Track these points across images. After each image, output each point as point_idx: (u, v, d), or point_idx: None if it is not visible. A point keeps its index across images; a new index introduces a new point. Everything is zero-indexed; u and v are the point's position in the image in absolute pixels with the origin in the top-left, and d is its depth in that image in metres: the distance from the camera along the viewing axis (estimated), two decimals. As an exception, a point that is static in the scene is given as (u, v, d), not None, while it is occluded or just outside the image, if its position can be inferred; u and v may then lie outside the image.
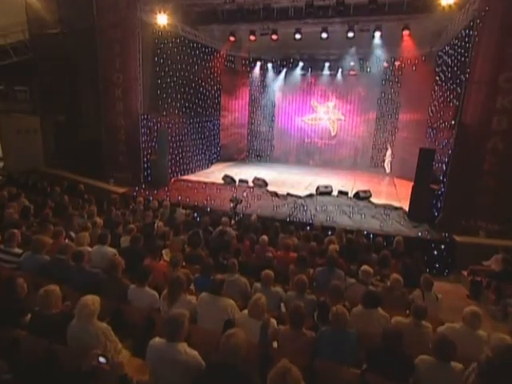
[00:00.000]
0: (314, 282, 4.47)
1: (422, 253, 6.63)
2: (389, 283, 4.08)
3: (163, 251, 5.60)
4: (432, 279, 3.93)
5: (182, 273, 3.30)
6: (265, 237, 5.42)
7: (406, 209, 9.20)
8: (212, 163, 15.94)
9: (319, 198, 10.60)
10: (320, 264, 4.83)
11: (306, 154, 17.48)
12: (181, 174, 13.20)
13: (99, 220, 6.61)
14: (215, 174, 13.88)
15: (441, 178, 8.72)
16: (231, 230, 6.34)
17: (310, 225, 7.80)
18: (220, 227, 6.26)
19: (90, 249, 4.61)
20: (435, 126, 11.60)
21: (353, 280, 4.16)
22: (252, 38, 13.00)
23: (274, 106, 17.64)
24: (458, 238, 7.30)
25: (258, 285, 3.79)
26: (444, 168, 8.66)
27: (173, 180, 12.27)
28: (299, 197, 10.53)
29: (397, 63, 14.52)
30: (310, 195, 10.77)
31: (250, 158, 17.82)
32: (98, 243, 4.62)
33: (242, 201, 8.08)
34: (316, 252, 5.05)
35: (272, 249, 5.52)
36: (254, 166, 16.29)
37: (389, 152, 15.72)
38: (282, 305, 3.78)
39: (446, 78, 11.00)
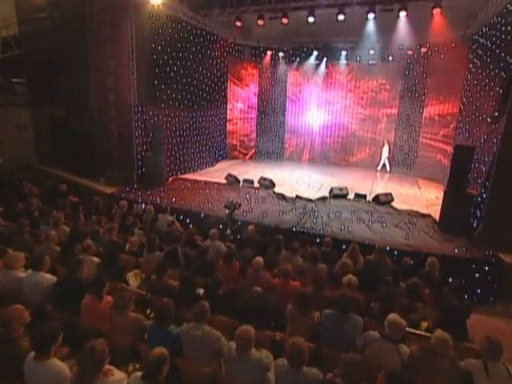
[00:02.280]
0: (319, 328, 3.21)
1: (461, 277, 5.30)
2: (431, 340, 2.77)
3: (131, 274, 4.47)
4: (501, 343, 2.58)
5: (100, 343, 2.06)
6: (259, 259, 4.19)
7: (436, 216, 7.79)
8: (218, 160, 14.79)
9: (333, 201, 9.27)
10: (330, 300, 3.58)
11: (321, 152, 16.09)
12: (181, 173, 12.11)
13: (66, 229, 5.57)
14: (220, 172, 12.71)
15: (480, 181, 7.27)
16: (220, 246, 5.14)
17: (320, 236, 6.50)
18: (207, 242, 5.08)
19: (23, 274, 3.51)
20: (469, 120, 10.05)
21: (376, 334, 2.88)
22: (260, 22, 11.71)
23: (285, 98, 16.29)
24: (505, 258, 5.85)
25: (232, 346, 2.57)
26: (484, 169, 7.20)
27: (171, 179, 11.18)
28: (310, 200, 9.24)
29: (423, 50, 12.92)
30: (323, 198, 9.45)
31: (260, 155, 16.56)
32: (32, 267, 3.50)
33: (240, 205, 6.88)
34: (324, 282, 3.78)
35: (269, 273, 4.29)
36: (263, 164, 15.07)
37: (385, 148, 14.21)
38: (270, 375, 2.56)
39: (483, 64, 9.45)
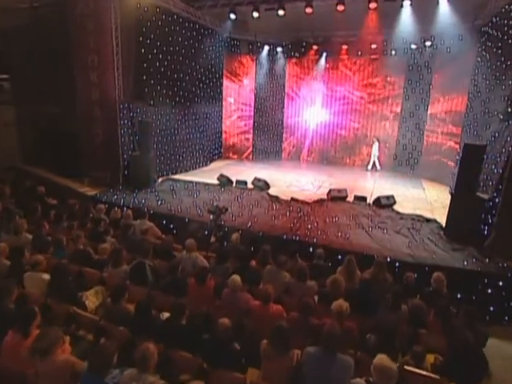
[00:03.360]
0: (300, 370, 2.60)
1: (471, 293, 4.67)
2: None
3: (91, 292, 3.88)
4: None
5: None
6: (236, 278, 3.57)
7: (442, 221, 7.15)
8: (212, 160, 14.20)
9: (331, 204, 8.64)
10: (317, 329, 2.96)
11: (320, 151, 15.44)
12: (172, 173, 11.52)
13: (28, 237, 5.01)
14: (214, 172, 12.05)
15: (491, 183, 6.61)
16: (198, 259, 4.54)
17: (313, 245, 5.87)
18: (182, 254, 4.48)
19: None
20: (477, 117, 9.37)
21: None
22: (255, 14, 11.10)
23: (283, 95, 15.64)
24: (522, 271, 5.21)
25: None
26: (496, 170, 6.55)
27: (160, 180, 10.59)
28: (306, 203, 8.62)
29: (427, 43, 12.22)
30: (320, 201, 8.83)
31: (257, 154, 15.91)
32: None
33: (226, 210, 6.27)
34: (311, 308, 3.17)
35: (249, 294, 3.68)
36: (260, 163, 14.46)
37: (375, 146, 13.55)
38: None
39: (493, 56, 8.77)
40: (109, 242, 5.29)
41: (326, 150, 15.28)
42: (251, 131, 15.68)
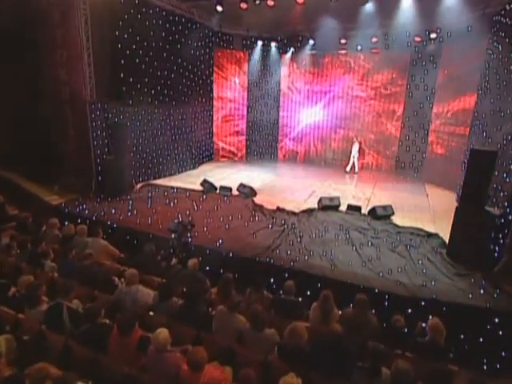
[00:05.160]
0: None
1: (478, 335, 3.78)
2: None
3: (1, 338, 3.08)
4: None
5: None
6: (163, 332, 2.73)
7: (445, 234, 6.19)
8: (202, 162, 13.38)
9: (320, 214, 7.75)
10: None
11: (318, 153, 14.52)
12: (154, 177, 10.72)
13: None
14: (201, 176, 11.22)
15: (503, 194, 5.67)
16: (138, 293, 3.71)
17: (289, 271, 4.98)
18: (121, 287, 3.65)
19: None
20: (487, 116, 8.39)
21: None
22: (243, 6, 10.24)
23: (279, 93, 14.73)
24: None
25: None
26: (509, 179, 5.61)
27: (139, 186, 9.81)
28: (293, 213, 7.74)
29: (432, 35, 11.20)
30: (309, 211, 7.94)
31: (251, 155, 15.05)
32: None
33: (193, 225, 5.44)
34: (268, 367, 2.33)
35: (180, 355, 2.82)
36: (252, 166, 13.61)
37: (355, 147, 12.56)
38: None
39: (506, 48, 7.79)
40: (48, 268, 4.52)
41: (325, 151, 14.35)
42: (244, 131, 14.81)
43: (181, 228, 5.27)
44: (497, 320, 4.08)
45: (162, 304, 3.62)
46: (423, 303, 4.24)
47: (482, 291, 4.51)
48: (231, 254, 5.31)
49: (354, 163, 12.72)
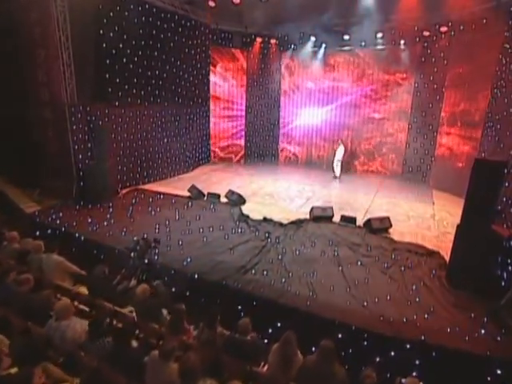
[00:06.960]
0: None
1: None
2: None
3: None
4: None
5: None
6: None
7: (447, 253, 5.41)
8: (198, 165, 12.86)
9: (310, 226, 7.08)
10: None
11: (321, 155, 13.78)
12: (143, 182, 10.26)
13: None
14: (194, 180, 10.68)
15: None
16: (69, 330, 3.18)
17: (259, 299, 4.34)
18: (50, 323, 3.13)
19: None
20: (502, 117, 7.53)
21: None
22: (236, 0, 9.67)
23: (279, 92, 14.05)
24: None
25: None
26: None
27: (124, 192, 9.36)
28: (280, 224, 7.11)
29: (443, 29, 10.31)
30: (299, 222, 7.28)
31: (251, 158, 14.44)
32: None
33: (158, 242, 4.90)
34: None
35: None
36: (250, 169, 13.01)
37: (340, 150, 11.67)
38: None
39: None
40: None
41: (327, 153, 13.59)
42: (243, 132, 14.20)
43: (143, 246, 4.73)
44: (499, 371, 3.35)
45: (92, 344, 3.09)
46: (408, 346, 3.54)
47: (482, 331, 3.77)
48: (196, 276, 4.73)
49: (334, 168, 11.81)
